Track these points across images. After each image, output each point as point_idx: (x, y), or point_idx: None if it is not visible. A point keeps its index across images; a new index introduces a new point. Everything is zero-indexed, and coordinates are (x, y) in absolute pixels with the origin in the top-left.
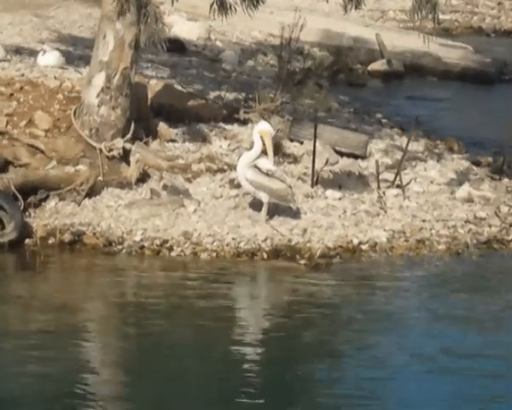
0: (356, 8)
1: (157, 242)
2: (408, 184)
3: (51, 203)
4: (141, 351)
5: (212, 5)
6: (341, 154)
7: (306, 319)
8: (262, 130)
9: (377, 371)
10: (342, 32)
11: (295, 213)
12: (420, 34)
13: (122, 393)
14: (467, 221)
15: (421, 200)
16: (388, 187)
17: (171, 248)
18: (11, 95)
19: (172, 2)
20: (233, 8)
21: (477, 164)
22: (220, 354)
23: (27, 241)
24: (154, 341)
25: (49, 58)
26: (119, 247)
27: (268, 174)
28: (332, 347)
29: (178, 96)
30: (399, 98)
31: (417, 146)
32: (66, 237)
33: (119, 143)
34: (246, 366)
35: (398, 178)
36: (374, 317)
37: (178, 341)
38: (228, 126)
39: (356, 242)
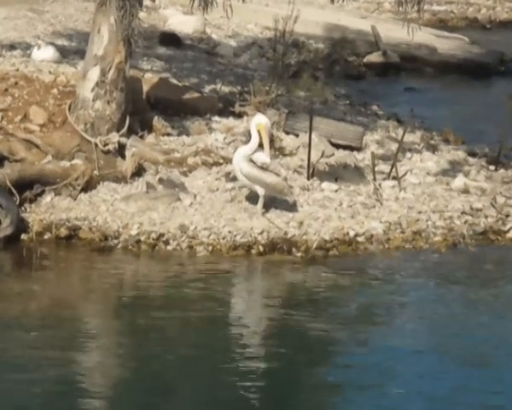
0: None
1: (153, 236)
2: (404, 175)
3: (47, 198)
4: (137, 346)
5: None
6: (337, 146)
7: (302, 311)
8: (259, 123)
9: (374, 362)
10: (338, 24)
11: (292, 206)
12: (404, 24)
13: (118, 389)
14: (463, 212)
15: (417, 191)
16: (384, 179)
17: (167, 242)
18: (6, 90)
19: None
20: (214, 3)
21: (473, 155)
22: (216, 348)
23: (23, 236)
24: (149, 336)
25: (45, 53)
26: (115, 241)
27: (263, 168)
28: (329, 339)
29: (174, 90)
30: (395, 90)
31: (413, 137)
32: (62, 231)
33: (115, 137)
34: (241, 358)
35: (394, 169)
36: (370, 309)
37: (175, 335)
38: (223, 119)
39: (352, 234)
